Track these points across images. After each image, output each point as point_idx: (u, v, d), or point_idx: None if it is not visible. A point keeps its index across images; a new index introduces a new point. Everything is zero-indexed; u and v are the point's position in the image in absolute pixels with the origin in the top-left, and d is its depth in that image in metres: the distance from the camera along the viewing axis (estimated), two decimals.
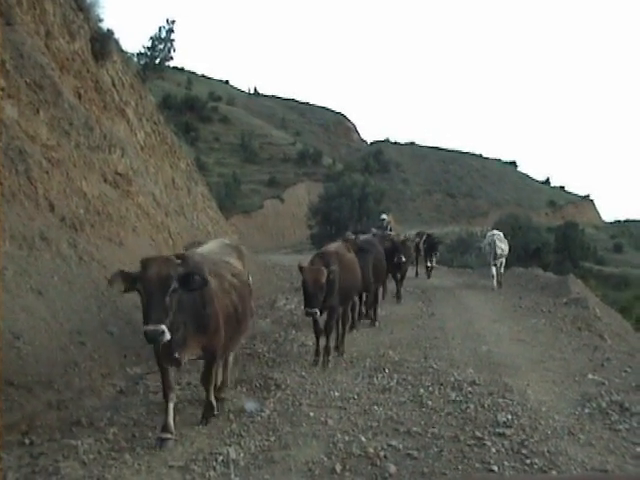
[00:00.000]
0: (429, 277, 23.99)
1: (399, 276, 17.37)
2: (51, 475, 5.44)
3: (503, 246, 20.52)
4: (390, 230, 23.58)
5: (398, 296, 17.35)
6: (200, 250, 7.58)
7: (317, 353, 9.93)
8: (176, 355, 6.16)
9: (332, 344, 10.20)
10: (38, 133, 10.82)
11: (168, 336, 5.55)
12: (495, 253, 20.05)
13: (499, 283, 20.26)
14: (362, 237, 15.25)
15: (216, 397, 7.27)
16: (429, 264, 24.20)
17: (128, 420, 6.95)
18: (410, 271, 22.11)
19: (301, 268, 9.31)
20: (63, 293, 9.04)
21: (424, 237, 24.67)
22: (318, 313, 9.09)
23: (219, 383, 7.72)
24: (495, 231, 22.42)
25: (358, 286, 11.32)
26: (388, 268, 16.25)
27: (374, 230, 19.62)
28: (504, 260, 20.79)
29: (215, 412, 7.02)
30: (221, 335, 6.66)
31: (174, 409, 6.48)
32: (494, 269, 20.09)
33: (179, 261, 5.98)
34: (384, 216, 24.38)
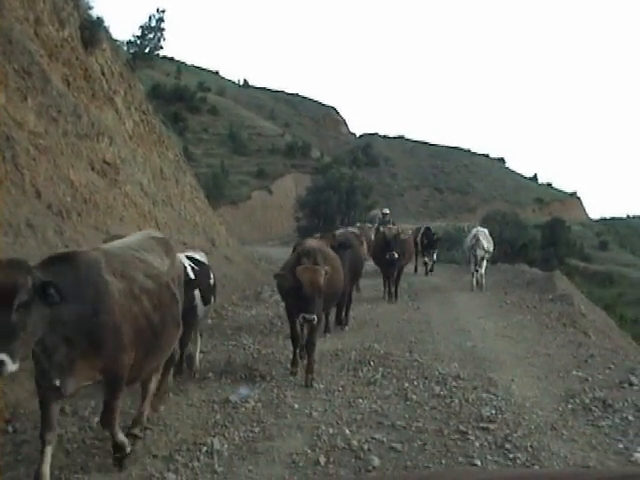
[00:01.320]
0: (427, 274, 22.89)
1: (394, 274, 15.83)
2: (34, 463, 5.42)
3: (487, 244, 18.47)
4: (393, 224, 23.27)
5: (395, 295, 15.82)
6: (114, 244, 6.19)
7: (294, 363, 8.95)
8: (56, 383, 4.84)
9: (314, 358, 8.82)
10: (26, 120, 10.77)
11: (12, 367, 4.19)
12: (477, 252, 18.01)
13: (480, 285, 18.19)
14: (337, 232, 14.11)
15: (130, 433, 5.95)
16: (427, 260, 22.98)
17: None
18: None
19: (293, 272, 8.14)
20: None
21: (422, 231, 23.21)
22: (316, 320, 8.03)
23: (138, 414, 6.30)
24: (480, 227, 20.48)
25: (342, 289, 10.22)
26: (382, 266, 15.92)
27: (360, 225, 19.41)
28: (486, 259, 18.59)
29: (127, 451, 5.58)
30: (125, 353, 5.21)
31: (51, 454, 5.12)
32: (474, 267, 18.16)
33: (33, 266, 4.63)
34: (386, 210, 23.69)
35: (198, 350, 8.98)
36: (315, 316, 7.90)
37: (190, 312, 7.83)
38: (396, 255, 14.90)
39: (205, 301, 8.66)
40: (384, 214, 23.00)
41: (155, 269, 5.94)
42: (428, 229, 23.41)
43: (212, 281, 9.15)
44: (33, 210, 9.84)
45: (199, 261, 8.95)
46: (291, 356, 9.32)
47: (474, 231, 19.38)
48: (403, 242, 15.74)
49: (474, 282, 18.12)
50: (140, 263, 5.78)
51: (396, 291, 15.95)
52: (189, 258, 8.53)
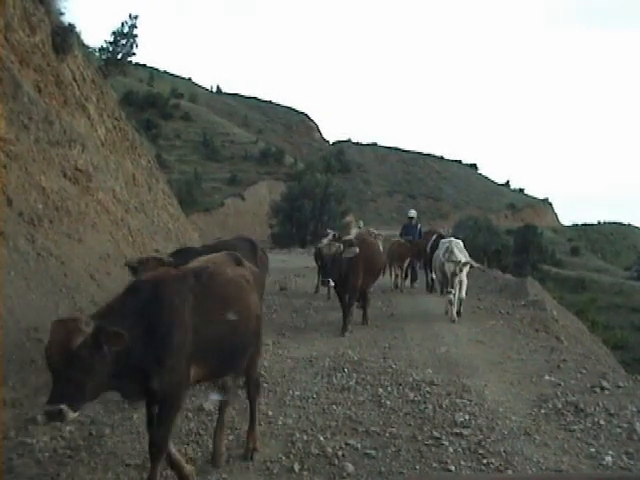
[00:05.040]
0: (431, 291, 18.71)
1: (346, 298, 12.47)
2: (5, 474, 5.37)
3: (463, 258, 14.03)
4: (420, 231, 20.15)
5: (344, 324, 12.27)
6: None
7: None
8: None
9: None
10: None
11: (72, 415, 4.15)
12: (454, 268, 13.58)
13: (459, 312, 14.07)
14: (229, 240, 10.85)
15: None
16: (433, 275, 17.76)
17: (85, 418, 6.87)
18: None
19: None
20: (20, 289, 8.92)
21: (433, 237, 18.28)
22: (69, 414, 4.30)
23: None
24: (452, 239, 15.76)
25: (257, 335, 6.17)
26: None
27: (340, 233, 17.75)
28: (465, 279, 14.24)
29: None
30: None
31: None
32: (451, 294, 13.74)
33: None
34: (412, 213, 20.65)
35: None
36: (62, 407, 4.25)
37: None
38: (331, 282, 11.77)
39: None
40: (410, 218, 20.29)
41: None
42: (440, 238, 17.58)
43: None
44: (4, 218, 9.73)
45: None
46: (265, 363, 9.32)
47: (443, 242, 15.42)
48: (354, 261, 11.95)
49: (453, 311, 13.85)
50: None
51: (345, 321, 12.37)
52: None
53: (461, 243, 15.19)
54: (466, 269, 14.09)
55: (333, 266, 11.61)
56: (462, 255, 14.02)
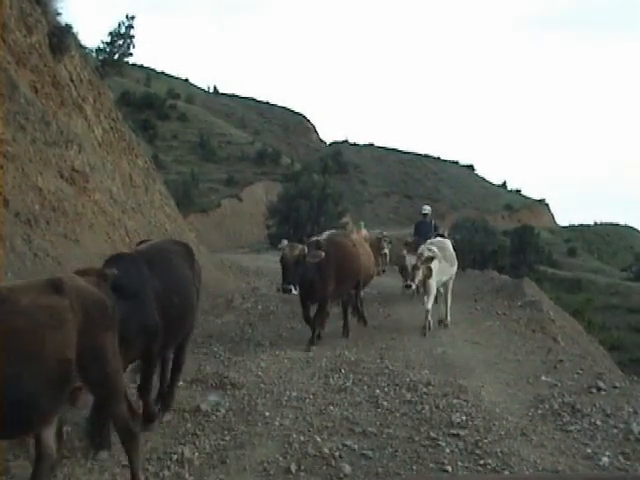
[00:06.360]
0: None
1: (311, 309, 11.34)
2: (1, 475, 5.36)
3: (427, 253, 12.39)
4: (436, 229, 18.06)
5: (312, 336, 11.10)
6: None
7: None
8: None
9: None
10: None
11: None
12: (415, 261, 12.12)
13: (447, 319, 13.23)
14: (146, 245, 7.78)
15: None
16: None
17: (81, 418, 6.87)
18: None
19: None
20: None
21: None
22: None
23: None
24: (440, 238, 14.90)
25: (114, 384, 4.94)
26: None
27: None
28: (449, 282, 13.42)
29: None
30: None
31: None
32: (428, 300, 12.50)
33: None
34: (427, 209, 18.66)
35: None
36: None
37: None
38: (294, 290, 10.43)
39: None
40: (424, 214, 18.31)
41: None
42: (437, 237, 15.54)
43: None
44: (0, 218, 9.73)
45: None
46: (262, 364, 9.34)
47: (428, 243, 13.45)
48: (322, 267, 10.70)
49: (427, 323, 12.47)
50: None
51: (314, 334, 11.19)
52: None
53: (448, 243, 14.33)
54: (445, 275, 13.03)
55: (296, 270, 10.41)
56: (429, 252, 12.47)
